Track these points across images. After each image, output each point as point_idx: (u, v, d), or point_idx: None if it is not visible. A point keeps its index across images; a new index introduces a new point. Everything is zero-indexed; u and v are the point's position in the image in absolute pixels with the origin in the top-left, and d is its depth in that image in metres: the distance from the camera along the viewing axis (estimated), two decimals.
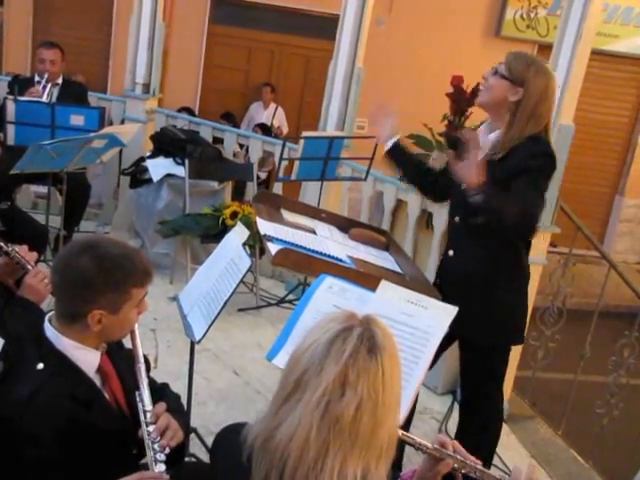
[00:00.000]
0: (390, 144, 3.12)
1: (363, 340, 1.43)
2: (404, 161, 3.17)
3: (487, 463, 3.02)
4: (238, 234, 2.96)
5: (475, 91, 4.48)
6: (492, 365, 2.98)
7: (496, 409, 3.09)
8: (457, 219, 2.92)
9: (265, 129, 9.06)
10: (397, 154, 3.13)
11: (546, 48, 4.17)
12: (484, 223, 2.66)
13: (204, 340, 2.62)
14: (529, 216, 2.59)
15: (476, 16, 9.81)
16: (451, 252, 2.97)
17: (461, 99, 4.42)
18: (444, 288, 2.95)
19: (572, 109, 3.82)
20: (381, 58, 8.90)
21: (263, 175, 8.59)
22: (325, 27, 8.75)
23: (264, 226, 2.98)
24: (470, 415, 3.09)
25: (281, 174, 5.21)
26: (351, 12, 5.25)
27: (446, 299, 2.82)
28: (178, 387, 2.37)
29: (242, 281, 2.67)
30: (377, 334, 1.45)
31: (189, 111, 8.91)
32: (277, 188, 5.56)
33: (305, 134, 4.77)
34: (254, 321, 4.77)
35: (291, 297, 5.13)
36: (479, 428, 3.02)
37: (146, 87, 5.81)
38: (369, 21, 5.36)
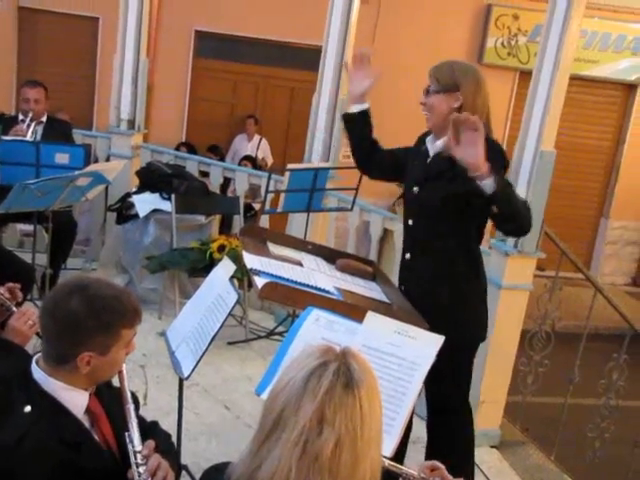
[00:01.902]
0: (356, 109, 3.02)
1: (339, 375, 1.43)
2: (361, 135, 3.06)
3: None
4: (225, 268, 2.97)
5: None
6: (456, 366, 2.93)
7: (463, 422, 3.04)
8: (411, 222, 2.95)
9: (253, 162, 9.11)
10: (358, 125, 3.03)
11: (528, 75, 4.23)
12: (497, 215, 2.63)
13: (194, 375, 2.62)
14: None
15: (459, 44, 9.94)
16: (408, 255, 3.00)
17: None
18: (408, 291, 2.99)
19: (553, 135, 3.87)
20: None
21: (257, 206, 8.61)
22: (310, 58, 8.83)
23: (250, 260, 2.98)
24: (438, 430, 3.04)
25: (267, 206, 5.24)
26: (333, 43, 5.30)
27: (411, 301, 2.87)
28: (168, 423, 2.36)
29: (231, 314, 2.68)
30: (354, 368, 1.46)
31: (189, 147, 8.96)
32: (264, 220, 5.58)
33: (290, 166, 4.80)
34: (244, 354, 4.75)
35: (281, 329, 5.12)
36: (448, 446, 2.98)
37: (131, 123, 5.83)
38: (352, 52, 5.42)
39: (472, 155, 2.49)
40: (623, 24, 10.18)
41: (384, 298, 3.08)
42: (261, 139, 9.80)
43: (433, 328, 2.57)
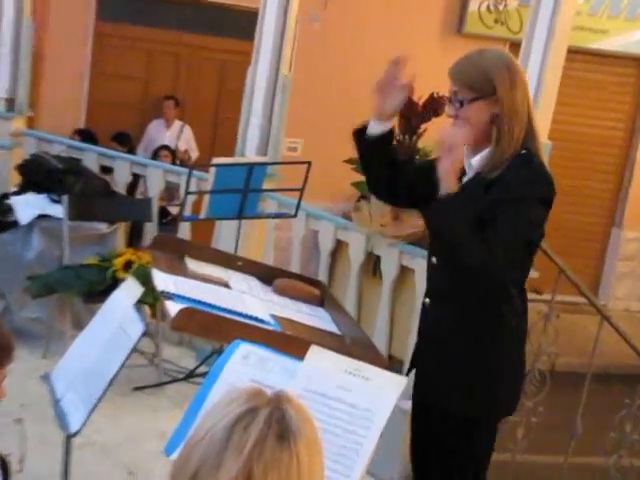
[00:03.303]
0: (378, 129, 3.01)
1: (271, 424, 1.42)
2: (381, 162, 3.07)
3: None
4: (129, 290, 2.95)
5: (431, 104, 4.57)
6: (469, 446, 2.98)
7: None
8: (434, 260, 2.98)
9: (172, 154, 9.07)
10: (378, 149, 3.04)
11: (519, 47, 4.31)
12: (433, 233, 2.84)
13: (88, 431, 2.59)
14: (501, 250, 2.67)
15: (433, 10, 10.02)
16: (427, 300, 3.03)
17: (411, 114, 4.50)
18: (421, 344, 3.06)
19: (547, 122, 3.94)
20: (315, 63, 9.02)
21: (175, 211, 8.54)
22: (246, 25, 8.85)
23: (162, 280, 2.98)
24: None
25: (188, 212, 5.20)
26: (273, 6, 5.34)
27: (422, 357, 2.97)
28: None
29: (138, 351, 2.66)
30: (289, 415, 1.45)
31: (86, 134, 8.86)
32: (183, 229, 5.55)
33: (217, 160, 4.80)
34: (155, 403, 4.72)
35: (204, 369, 5.10)
36: None
37: (10, 103, 5.79)
38: (296, 17, 5.46)
39: (444, 176, 2.73)
40: None
41: (334, 328, 3.10)
42: (183, 126, 9.76)
43: (441, 391, 2.81)
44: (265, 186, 5.08)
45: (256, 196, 5.00)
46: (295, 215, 5.05)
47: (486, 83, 2.79)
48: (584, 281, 7.75)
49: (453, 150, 2.71)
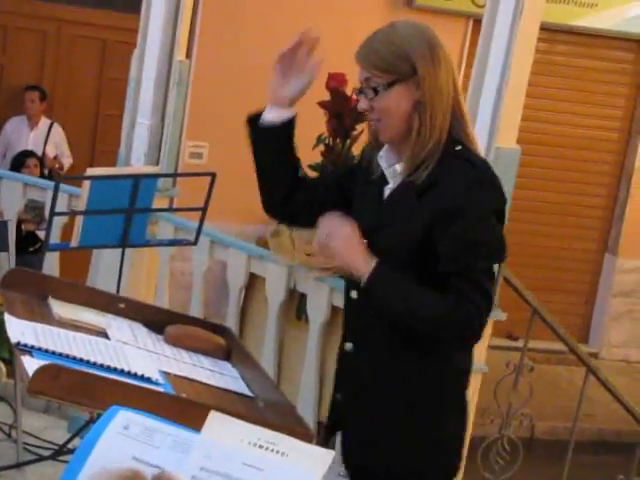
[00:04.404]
0: (277, 116, 3.03)
1: None
2: (276, 159, 3.11)
3: None
4: None
5: None
6: None
7: None
8: (354, 294, 3.02)
9: (39, 162, 9.02)
10: (274, 141, 3.07)
11: None
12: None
13: None
14: (466, 316, 2.76)
15: None
16: (349, 346, 3.07)
17: (344, 111, 4.54)
18: (342, 401, 3.08)
19: (515, 120, 4.02)
20: (223, 45, 9.02)
21: (42, 234, 8.47)
22: None
23: (17, 328, 2.96)
24: None
25: (56, 238, 5.16)
26: None
27: (345, 419, 3.01)
28: None
29: None
30: None
31: None
32: (50, 261, 5.53)
33: (92, 172, 4.78)
34: None
35: (78, 444, 5.07)
36: None
37: None
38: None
39: (344, 264, 2.88)
40: None
41: (243, 389, 3.10)
42: (52, 125, 9.71)
43: (370, 455, 2.81)
44: (156, 205, 5.08)
45: (144, 218, 4.97)
46: (195, 242, 5.03)
47: (403, 62, 2.82)
48: (571, 323, 7.89)
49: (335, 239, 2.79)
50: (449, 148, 2.82)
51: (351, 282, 3.05)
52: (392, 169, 2.93)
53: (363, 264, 2.78)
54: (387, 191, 2.94)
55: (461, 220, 2.75)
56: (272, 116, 3.02)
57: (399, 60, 2.83)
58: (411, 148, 2.83)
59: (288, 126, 3.05)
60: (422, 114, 2.81)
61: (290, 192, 3.16)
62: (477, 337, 2.89)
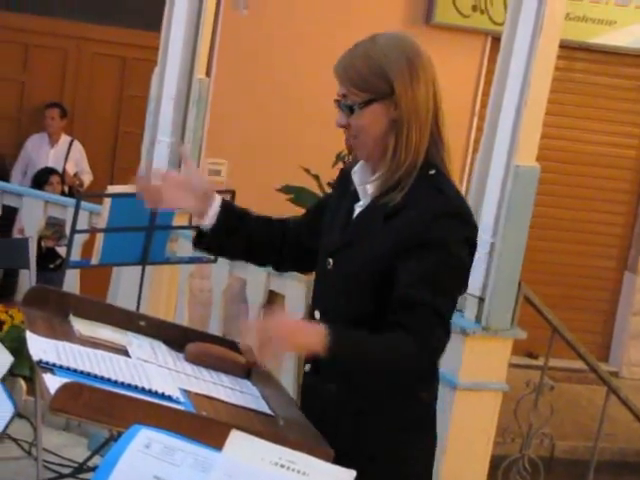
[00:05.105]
0: (212, 220, 3.03)
1: None
2: (245, 242, 3.14)
3: None
4: None
5: None
6: None
7: None
8: (317, 314, 3.00)
9: (60, 178, 9.07)
10: (228, 230, 3.07)
11: None
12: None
13: None
14: (431, 350, 2.75)
15: None
16: (307, 367, 3.05)
17: None
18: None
19: (534, 138, 4.01)
20: (241, 63, 9.02)
21: (62, 250, 8.48)
22: (153, 11, 8.86)
23: (39, 346, 2.96)
24: None
25: (76, 255, 5.17)
26: None
27: None
28: None
29: (9, 439, 2.65)
30: None
31: None
32: (71, 279, 5.54)
33: (113, 189, 4.79)
34: None
35: (98, 461, 5.07)
36: None
37: None
38: (215, 2, 5.48)
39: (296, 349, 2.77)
40: None
41: (263, 407, 3.10)
42: (72, 143, 9.73)
43: None
44: (177, 222, 5.09)
45: (165, 235, 5.00)
46: (215, 260, 5.04)
47: (381, 80, 2.78)
48: (590, 341, 7.86)
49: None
50: (423, 172, 2.77)
51: (316, 300, 3.04)
52: (363, 187, 2.89)
53: (314, 336, 2.64)
54: (357, 209, 2.90)
55: (425, 252, 2.69)
56: (207, 223, 3.03)
57: (376, 78, 2.77)
58: (386, 168, 2.80)
59: (225, 215, 3.04)
60: (398, 133, 2.77)
61: (281, 249, 3.17)
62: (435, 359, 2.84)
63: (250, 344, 2.71)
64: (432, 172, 2.79)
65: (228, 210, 3.06)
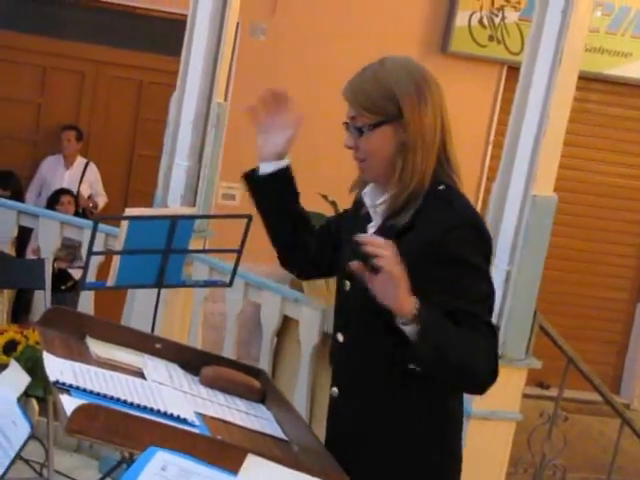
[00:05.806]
0: (269, 167, 3.09)
1: None
2: (278, 209, 3.14)
3: None
4: (11, 381, 2.94)
5: None
6: None
7: None
8: (340, 337, 3.01)
9: (74, 200, 9.10)
10: (271, 192, 3.11)
11: (519, 70, 4.34)
12: (428, 376, 2.76)
13: None
14: (496, 362, 2.74)
15: (410, 22, 10.16)
16: (335, 390, 3.05)
17: None
18: (332, 446, 3.01)
19: (553, 168, 4.02)
20: (259, 88, 9.03)
21: (78, 274, 8.48)
22: (170, 36, 8.90)
23: (56, 367, 2.97)
24: None
25: (92, 277, 5.18)
26: (205, 12, 5.38)
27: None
28: None
29: (23, 459, 2.65)
30: None
31: None
32: (86, 300, 5.55)
33: (130, 212, 4.80)
34: None
35: None
36: None
37: None
38: (235, 28, 5.49)
39: (389, 302, 2.61)
40: None
41: (278, 432, 3.11)
42: (87, 165, 9.75)
43: None
44: (192, 246, 5.10)
45: (181, 258, 4.98)
46: (230, 284, 5.05)
47: (390, 103, 2.80)
48: (602, 373, 7.83)
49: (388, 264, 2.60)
50: (432, 189, 2.79)
51: (338, 323, 3.05)
52: (374, 208, 2.92)
53: (411, 298, 2.60)
54: (370, 229, 2.91)
55: (443, 264, 2.70)
56: (268, 168, 3.08)
57: (385, 101, 2.80)
58: (394, 189, 2.81)
59: (283, 174, 3.09)
60: (406, 156, 2.78)
61: (300, 241, 3.19)
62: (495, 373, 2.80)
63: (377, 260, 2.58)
64: (441, 187, 2.81)
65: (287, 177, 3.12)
